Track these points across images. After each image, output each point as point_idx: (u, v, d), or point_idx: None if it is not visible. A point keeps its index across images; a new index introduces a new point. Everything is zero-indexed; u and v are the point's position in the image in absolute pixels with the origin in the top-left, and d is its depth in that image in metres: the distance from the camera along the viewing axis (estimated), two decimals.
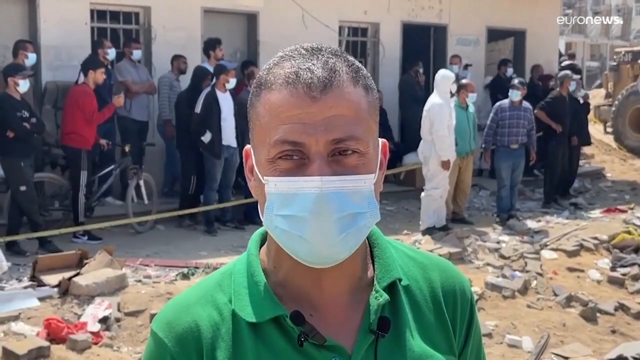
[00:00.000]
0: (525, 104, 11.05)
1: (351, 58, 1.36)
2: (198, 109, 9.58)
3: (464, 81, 10.94)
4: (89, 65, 9.09)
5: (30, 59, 9.20)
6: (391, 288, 1.40)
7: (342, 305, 1.37)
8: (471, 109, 10.67)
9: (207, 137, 9.59)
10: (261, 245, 1.44)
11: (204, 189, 10.02)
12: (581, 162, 16.00)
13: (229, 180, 10.06)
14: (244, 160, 1.41)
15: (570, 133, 12.43)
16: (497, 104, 11.23)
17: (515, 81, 11.24)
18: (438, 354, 1.40)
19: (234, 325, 1.35)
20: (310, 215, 1.26)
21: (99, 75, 9.03)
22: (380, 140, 1.38)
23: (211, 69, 10.50)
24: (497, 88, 13.72)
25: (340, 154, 1.28)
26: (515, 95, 10.88)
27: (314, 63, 1.30)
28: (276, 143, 1.28)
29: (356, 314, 1.37)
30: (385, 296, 1.37)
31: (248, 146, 1.39)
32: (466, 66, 14.36)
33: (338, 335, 1.34)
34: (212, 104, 9.58)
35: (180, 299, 1.41)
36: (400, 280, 1.41)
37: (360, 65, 1.36)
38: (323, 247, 1.27)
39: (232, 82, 9.82)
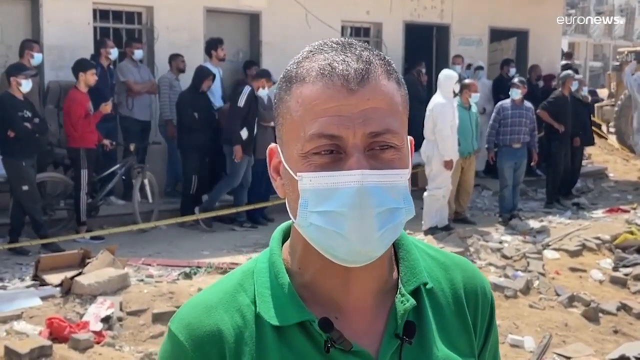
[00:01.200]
0: (527, 103, 11.06)
1: (381, 53, 1.33)
2: (241, 103, 9.65)
3: (466, 81, 10.94)
4: (78, 67, 9.07)
5: (36, 58, 9.22)
6: (415, 291, 1.37)
7: (367, 308, 1.35)
8: (474, 108, 10.67)
9: (244, 133, 9.67)
10: (282, 243, 1.41)
11: (221, 187, 10.13)
12: (584, 162, 16.03)
13: (248, 181, 10.12)
14: (267, 159, 1.37)
15: (573, 133, 12.43)
16: (499, 103, 11.24)
17: (516, 80, 11.27)
18: (460, 358, 1.38)
19: (257, 329, 1.31)
20: (350, 210, 1.22)
21: (89, 77, 9.01)
22: (408, 137, 1.35)
23: (213, 69, 10.54)
24: (500, 88, 13.71)
25: (376, 149, 1.25)
26: (516, 93, 10.89)
27: (348, 55, 1.27)
28: (312, 137, 1.24)
29: (380, 317, 1.35)
30: (412, 301, 1.34)
31: (273, 145, 1.36)
32: (469, 66, 14.38)
33: (362, 339, 1.31)
34: (252, 102, 9.70)
35: (200, 299, 1.37)
36: (425, 284, 1.39)
37: (390, 60, 1.34)
38: (361, 244, 1.24)
39: (267, 90, 9.90)
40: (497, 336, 1.53)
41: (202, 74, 10.07)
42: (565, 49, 23.02)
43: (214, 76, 10.31)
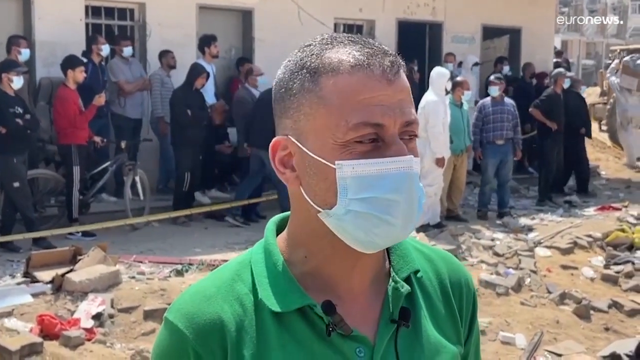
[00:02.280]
0: (507, 99, 11.12)
1: None
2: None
3: (459, 78, 10.96)
4: (67, 64, 9.02)
5: (24, 54, 9.17)
6: (407, 279, 1.41)
7: (364, 295, 1.38)
8: (465, 106, 10.68)
9: None
10: (277, 234, 1.43)
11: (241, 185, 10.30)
12: None
13: (259, 180, 10.27)
14: (271, 151, 1.36)
15: (576, 127, 12.63)
16: (480, 102, 11.32)
17: (492, 77, 11.39)
18: (450, 344, 1.42)
19: (257, 316, 1.33)
20: (400, 195, 1.26)
21: (78, 74, 8.96)
22: None
23: (206, 66, 10.51)
24: None
25: (406, 138, 1.31)
26: (494, 91, 10.95)
27: (374, 49, 1.31)
28: (356, 126, 1.26)
29: (375, 304, 1.38)
30: (407, 287, 1.38)
31: (280, 137, 1.36)
32: (460, 63, 14.39)
33: (360, 325, 1.34)
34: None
35: (198, 289, 1.37)
36: (417, 272, 1.42)
37: None
38: (402, 229, 1.29)
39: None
40: (478, 328, 1.56)
41: (196, 72, 10.03)
42: (559, 47, 23.08)
43: (209, 74, 10.29)
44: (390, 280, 1.39)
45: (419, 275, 1.43)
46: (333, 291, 1.35)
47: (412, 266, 1.41)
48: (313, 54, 1.32)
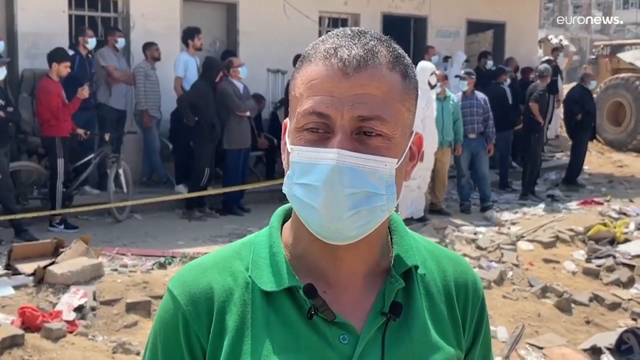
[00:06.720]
0: (478, 93, 11.18)
1: (396, 46, 1.38)
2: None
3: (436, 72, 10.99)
4: (54, 57, 8.96)
5: None
6: (407, 276, 1.42)
7: (356, 287, 1.40)
8: (451, 100, 10.64)
9: None
10: (285, 220, 1.47)
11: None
12: (558, 155, 16.15)
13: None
14: (282, 133, 1.42)
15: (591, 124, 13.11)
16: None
17: (462, 72, 11.44)
18: (448, 346, 1.42)
19: (248, 293, 1.38)
20: (323, 185, 1.28)
21: (62, 69, 8.90)
22: (416, 132, 1.41)
23: (189, 58, 10.49)
24: (477, 80, 13.73)
25: (364, 134, 1.30)
26: (463, 85, 11.11)
27: (355, 42, 1.33)
28: (305, 113, 1.31)
29: (370, 297, 1.39)
30: (401, 282, 1.39)
31: (287, 119, 1.42)
32: (446, 58, 14.41)
33: (349, 315, 1.36)
34: None
35: (198, 261, 1.45)
36: (417, 268, 1.43)
37: (402, 53, 1.39)
38: (330, 220, 1.30)
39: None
40: (489, 335, 1.55)
41: (218, 67, 10.08)
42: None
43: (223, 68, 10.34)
44: (389, 275, 1.41)
45: (421, 272, 1.43)
46: (322, 278, 1.38)
47: (410, 261, 1.42)
48: (312, 44, 1.38)
